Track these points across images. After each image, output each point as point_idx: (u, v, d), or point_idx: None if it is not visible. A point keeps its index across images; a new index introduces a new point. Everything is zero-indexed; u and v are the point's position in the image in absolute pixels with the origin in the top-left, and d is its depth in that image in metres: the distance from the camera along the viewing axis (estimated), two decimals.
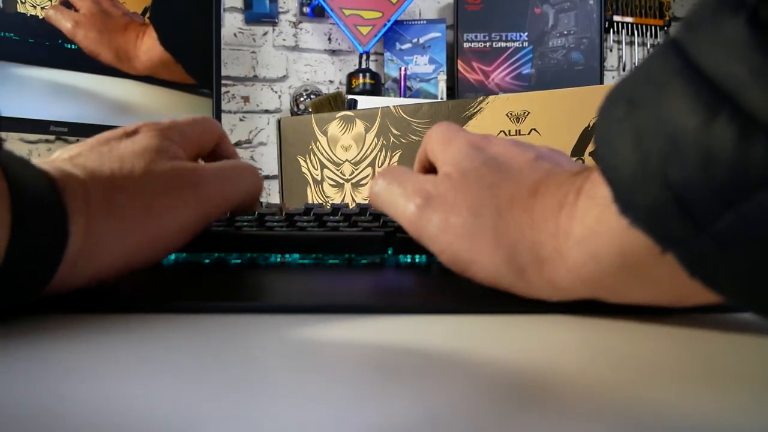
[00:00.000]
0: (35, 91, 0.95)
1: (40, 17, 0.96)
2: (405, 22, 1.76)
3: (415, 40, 1.76)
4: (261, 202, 0.37)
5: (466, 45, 1.74)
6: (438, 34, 1.76)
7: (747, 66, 0.13)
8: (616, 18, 1.90)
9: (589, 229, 0.19)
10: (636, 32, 1.91)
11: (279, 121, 0.60)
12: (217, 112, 1.23)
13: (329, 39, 1.78)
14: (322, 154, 0.57)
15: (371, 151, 0.55)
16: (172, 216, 0.24)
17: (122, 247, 0.22)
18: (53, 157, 0.24)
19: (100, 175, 0.22)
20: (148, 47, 1.08)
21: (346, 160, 0.56)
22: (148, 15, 1.09)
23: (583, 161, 0.49)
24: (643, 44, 1.92)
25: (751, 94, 0.13)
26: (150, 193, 0.23)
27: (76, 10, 1.00)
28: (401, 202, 0.25)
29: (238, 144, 1.69)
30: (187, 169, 0.25)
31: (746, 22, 0.13)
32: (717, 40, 0.14)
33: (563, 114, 0.47)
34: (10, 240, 0.18)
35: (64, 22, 0.98)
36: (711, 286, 0.15)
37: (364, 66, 1.70)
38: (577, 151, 0.48)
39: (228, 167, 0.27)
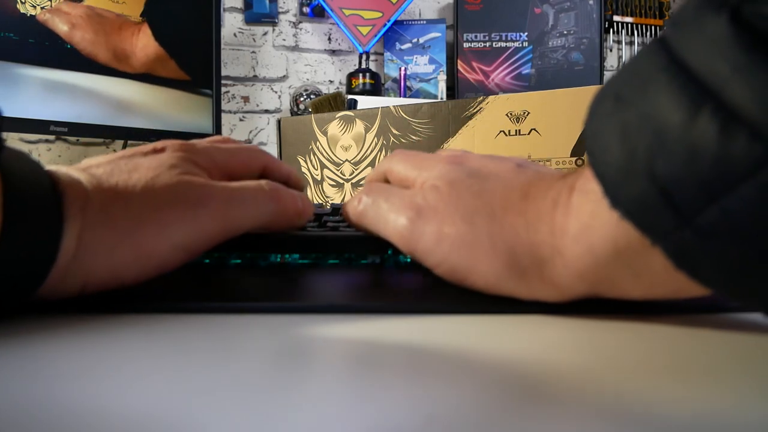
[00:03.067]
0: (35, 91, 0.95)
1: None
2: (405, 22, 1.76)
3: (415, 40, 1.76)
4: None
5: (466, 45, 1.74)
6: (438, 34, 1.76)
7: (729, 63, 0.13)
8: (616, 18, 1.90)
9: (584, 223, 0.19)
10: (636, 32, 1.91)
11: (279, 121, 0.60)
12: (217, 112, 1.23)
13: (329, 39, 1.78)
14: (322, 154, 0.57)
15: (371, 151, 0.55)
16: (166, 232, 0.22)
17: (111, 259, 0.21)
18: (79, 164, 0.24)
19: (104, 185, 0.22)
20: (144, 44, 1.08)
21: (346, 160, 0.56)
22: (145, 16, 1.09)
23: (583, 161, 0.49)
24: (643, 44, 1.92)
25: (733, 90, 0.13)
26: (146, 205, 0.22)
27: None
28: (391, 217, 0.24)
29: None
30: (192, 185, 0.24)
31: (729, 20, 0.13)
32: (701, 38, 0.14)
33: (563, 114, 0.47)
34: (0, 241, 0.18)
35: (61, 25, 0.98)
36: (696, 278, 0.15)
37: (364, 66, 1.70)
38: (577, 151, 0.48)
39: (240, 189, 0.25)
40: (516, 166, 0.25)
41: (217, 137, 0.29)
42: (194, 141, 0.27)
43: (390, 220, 0.25)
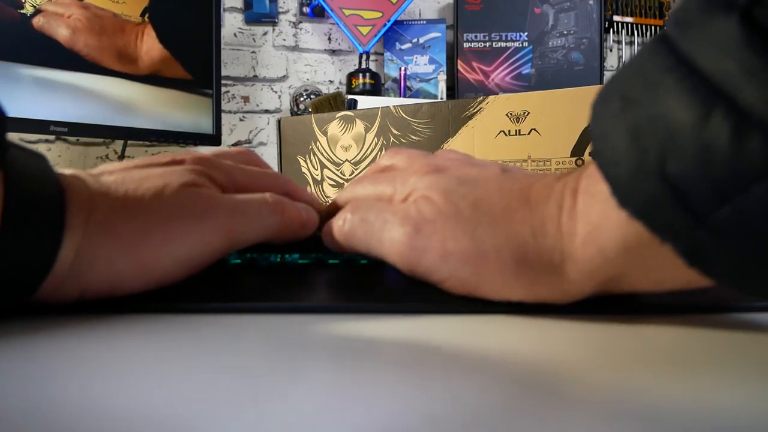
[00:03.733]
0: (35, 91, 0.95)
1: None
2: (405, 22, 1.76)
3: (415, 40, 1.76)
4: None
5: (466, 45, 1.74)
6: (438, 34, 1.76)
7: (741, 64, 0.13)
8: (616, 18, 1.90)
9: (593, 225, 0.19)
10: (636, 32, 1.91)
11: (279, 121, 0.60)
12: (217, 112, 1.23)
13: (329, 39, 1.78)
14: (322, 154, 0.57)
15: (371, 151, 0.55)
16: (169, 246, 0.22)
17: (110, 270, 0.21)
18: (97, 168, 0.23)
19: (112, 194, 0.21)
20: (149, 47, 1.08)
21: (346, 160, 0.56)
22: (147, 15, 1.09)
23: (583, 161, 0.49)
24: (643, 44, 1.92)
25: (745, 92, 0.13)
26: (150, 218, 0.22)
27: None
28: (385, 235, 0.23)
29: (237, 144, 1.70)
30: (198, 197, 0.23)
31: (739, 21, 0.13)
32: (710, 39, 0.14)
33: (563, 114, 0.47)
34: None
35: (61, 30, 0.94)
36: (709, 275, 0.15)
37: (364, 66, 1.70)
38: (577, 151, 0.48)
39: (245, 201, 0.25)
40: (501, 170, 0.24)
41: (242, 151, 0.29)
42: (220, 153, 0.26)
43: (385, 238, 0.23)
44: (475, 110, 0.51)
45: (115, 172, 0.23)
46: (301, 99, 1.61)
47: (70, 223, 0.20)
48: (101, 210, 0.21)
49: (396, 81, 1.73)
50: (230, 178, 0.26)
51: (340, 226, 0.25)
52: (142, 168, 0.24)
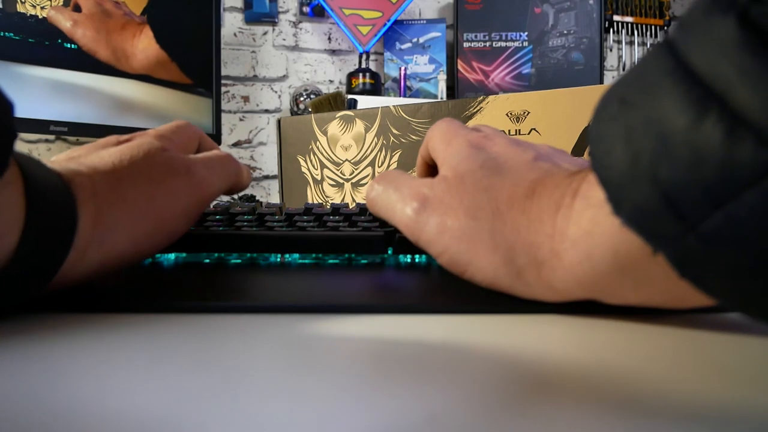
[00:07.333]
0: (35, 91, 0.95)
1: (40, 17, 0.96)
2: (405, 22, 1.76)
3: (415, 39, 1.76)
4: (261, 202, 0.37)
5: (466, 45, 1.74)
6: (438, 34, 1.76)
7: (736, 66, 0.13)
8: (616, 18, 1.90)
9: (584, 230, 0.19)
10: (636, 32, 1.91)
11: (279, 121, 0.60)
12: (217, 112, 1.23)
13: (329, 39, 1.78)
14: (322, 154, 0.57)
15: (371, 151, 0.55)
16: (173, 201, 0.25)
17: (130, 232, 0.23)
18: (52, 160, 0.24)
19: (103, 169, 0.24)
20: (145, 46, 1.08)
21: (346, 159, 0.56)
22: (146, 17, 1.09)
23: None
24: (643, 44, 1.92)
25: (739, 94, 0.13)
26: (150, 180, 0.25)
27: (80, 11, 1.01)
28: (398, 206, 0.25)
29: (237, 144, 1.70)
30: (179, 159, 0.27)
31: (736, 21, 0.13)
32: (707, 40, 0.13)
33: (563, 114, 0.47)
34: (25, 224, 0.19)
35: (64, 21, 1.00)
36: (700, 286, 0.15)
37: (364, 66, 1.70)
38: (577, 151, 0.48)
39: (211, 157, 0.30)
40: (534, 158, 0.24)
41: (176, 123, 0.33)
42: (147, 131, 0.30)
43: (397, 209, 0.25)
44: (475, 110, 0.51)
45: (83, 156, 0.25)
46: (301, 99, 1.61)
47: (81, 199, 0.22)
48: (102, 183, 0.23)
49: (396, 81, 1.74)
50: (171, 141, 0.29)
51: (368, 193, 0.28)
52: (100, 148, 0.26)
